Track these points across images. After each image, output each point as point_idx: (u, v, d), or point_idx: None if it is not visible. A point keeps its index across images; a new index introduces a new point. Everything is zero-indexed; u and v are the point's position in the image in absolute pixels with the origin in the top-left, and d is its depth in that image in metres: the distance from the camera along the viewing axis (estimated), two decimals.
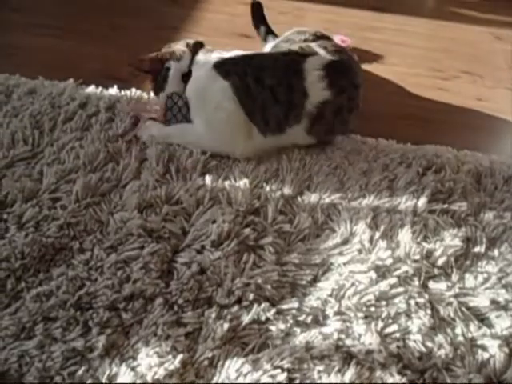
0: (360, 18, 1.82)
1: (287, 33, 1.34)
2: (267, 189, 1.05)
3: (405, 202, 1.03)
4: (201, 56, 1.15)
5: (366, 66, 1.54)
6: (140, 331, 0.78)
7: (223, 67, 1.10)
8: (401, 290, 0.86)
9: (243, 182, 1.04)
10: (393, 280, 0.87)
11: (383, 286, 0.87)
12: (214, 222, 0.95)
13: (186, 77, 1.15)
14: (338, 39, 1.55)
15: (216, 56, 1.15)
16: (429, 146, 1.21)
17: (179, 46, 1.21)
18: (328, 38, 1.23)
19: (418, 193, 1.05)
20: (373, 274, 0.88)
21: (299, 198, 1.04)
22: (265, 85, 1.07)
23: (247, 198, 1.00)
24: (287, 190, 1.05)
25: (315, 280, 0.89)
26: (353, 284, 0.86)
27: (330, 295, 0.85)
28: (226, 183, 1.04)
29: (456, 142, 1.27)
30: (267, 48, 1.38)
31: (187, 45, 1.21)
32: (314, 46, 1.12)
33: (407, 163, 1.12)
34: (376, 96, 1.37)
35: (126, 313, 0.80)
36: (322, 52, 1.10)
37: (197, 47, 1.19)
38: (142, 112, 1.18)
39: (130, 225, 0.92)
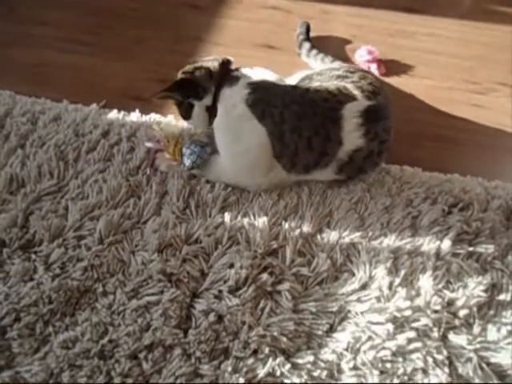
0: (390, 21, 1.72)
1: (320, 63, 1.37)
2: (286, 226, 1.04)
3: (428, 244, 1.00)
4: (227, 90, 1.07)
5: (393, 80, 1.48)
6: (159, 381, 0.82)
7: (259, 107, 1.04)
8: (419, 345, 0.85)
9: (262, 221, 1.04)
10: (411, 334, 0.86)
11: (401, 339, 0.86)
12: (231, 265, 0.96)
13: (210, 109, 1.10)
14: (364, 51, 1.49)
15: (243, 85, 1.07)
16: (457, 176, 1.16)
17: (206, 64, 1.13)
18: (362, 72, 1.15)
19: (442, 234, 1.01)
20: (390, 327, 0.87)
21: (318, 236, 1.04)
22: (302, 135, 1.02)
23: (265, 238, 1.00)
24: (306, 228, 1.04)
25: (332, 329, 0.89)
26: (369, 337, 0.86)
27: (346, 349, 0.85)
28: (245, 221, 1.04)
29: (487, 169, 1.21)
30: (311, 63, 1.41)
31: (211, 69, 1.12)
32: (351, 87, 1.05)
33: (432, 199, 1.08)
34: (402, 114, 1.29)
35: (146, 362, 0.83)
36: (358, 95, 1.04)
37: (223, 71, 1.10)
38: (157, 147, 1.18)
39: (151, 268, 0.94)
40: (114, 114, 1.30)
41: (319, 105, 1.04)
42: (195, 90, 1.09)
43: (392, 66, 1.52)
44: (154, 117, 1.28)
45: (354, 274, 0.97)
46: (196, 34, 1.66)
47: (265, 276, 0.94)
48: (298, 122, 1.03)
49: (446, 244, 0.99)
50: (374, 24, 1.72)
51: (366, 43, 1.55)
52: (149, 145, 1.17)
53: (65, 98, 1.38)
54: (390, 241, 1.02)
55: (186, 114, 1.13)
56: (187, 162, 1.10)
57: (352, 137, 1.03)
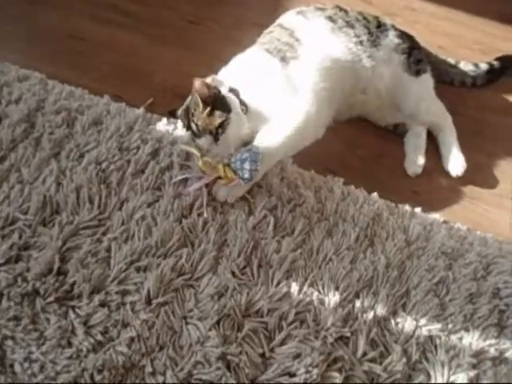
0: (484, 32, 1.48)
1: None
2: (358, 304, 0.92)
3: None
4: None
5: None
6: None
7: None
8: None
9: (333, 298, 0.91)
10: None
11: None
12: (298, 355, 0.85)
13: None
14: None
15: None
16: None
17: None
18: None
19: None
20: None
21: (393, 321, 0.91)
22: None
23: (336, 321, 0.88)
24: (380, 310, 0.92)
25: None
26: None
27: None
28: (314, 295, 0.91)
29: None
30: None
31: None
32: None
33: None
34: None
35: None
36: None
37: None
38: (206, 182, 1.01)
39: (208, 352, 0.82)
40: (163, 125, 1.11)
41: None
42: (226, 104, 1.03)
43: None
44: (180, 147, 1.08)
45: (429, 376, 0.87)
46: (257, 19, 1.41)
47: (334, 374, 0.83)
48: None
49: None
50: (464, 33, 1.49)
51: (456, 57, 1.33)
52: (197, 186, 0.99)
53: (104, 89, 1.18)
54: (472, 338, 0.90)
55: (216, 137, 1.02)
56: (245, 173, 0.95)
57: None
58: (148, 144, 1.05)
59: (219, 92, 1.03)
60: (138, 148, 1.05)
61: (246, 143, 1.03)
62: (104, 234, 0.94)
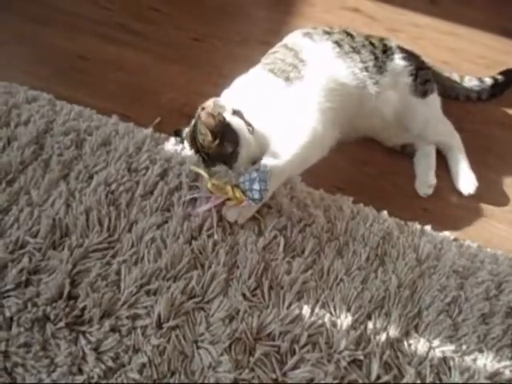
0: (486, 46, 1.49)
1: None
2: (370, 325, 0.91)
3: None
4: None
5: None
6: None
7: None
8: None
9: (345, 319, 0.90)
10: None
11: None
12: (311, 380, 0.84)
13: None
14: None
15: None
16: None
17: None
18: None
19: None
20: None
21: (406, 343, 0.90)
22: None
23: (349, 344, 0.86)
24: (393, 331, 0.91)
25: None
26: None
27: None
28: (326, 317, 0.90)
29: None
30: None
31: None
32: None
33: None
34: None
35: None
36: None
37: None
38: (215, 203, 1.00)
39: (221, 378, 0.81)
40: (171, 145, 1.11)
41: None
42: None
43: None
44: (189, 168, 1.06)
45: None
46: (263, 37, 1.42)
47: None
48: None
49: None
50: (468, 48, 1.49)
51: (459, 72, 1.34)
52: (206, 207, 0.98)
53: (112, 108, 1.18)
54: (486, 360, 0.89)
55: (230, 166, 1.04)
56: (255, 194, 0.95)
57: None
58: (157, 164, 1.05)
59: (224, 119, 1.03)
60: (147, 168, 1.04)
61: (254, 162, 1.04)
62: (114, 256, 0.93)
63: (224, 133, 1.02)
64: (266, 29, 1.47)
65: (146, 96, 1.23)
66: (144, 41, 1.35)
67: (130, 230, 0.97)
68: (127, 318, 0.86)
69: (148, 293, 0.90)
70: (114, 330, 0.85)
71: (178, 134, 1.15)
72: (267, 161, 1.00)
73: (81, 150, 1.07)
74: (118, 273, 0.92)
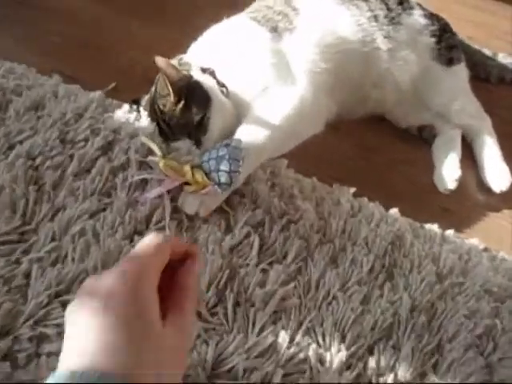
0: None
1: None
2: (372, 364, 0.64)
3: None
4: None
5: None
6: None
7: None
8: None
9: (336, 350, 0.65)
10: None
11: None
12: None
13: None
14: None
15: None
16: None
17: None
18: None
19: None
20: None
21: None
22: None
23: None
24: (403, 372, 0.65)
25: None
26: None
27: None
28: (311, 349, 0.64)
29: None
30: None
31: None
32: None
33: None
34: None
35: None
36: None
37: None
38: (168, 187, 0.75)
39: None
40: (123, 113, 0.86)
41: None
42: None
43: None
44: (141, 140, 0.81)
45: None
46: None
47: None
48: None
49: None
50: (495, 23, 1.27)
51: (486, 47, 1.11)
52: (156, 192, 0.73)
53: (55, 67, 0.94)
54: None
55: (197, 141, 0.80)
56: (222, 177, 0.71)
57: None
58: (99, 136, 0.80)
59: (191, 77, 0.80)
60: (86, 140, 0.79)
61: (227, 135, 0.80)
62: (26, 252, 0.68)
63: (191, 93, 0.78)
64: None
65: (100, 54, 0.99)
66: None
67: (52, 219, 0.72)
68: (30, 339, 0.62)
69: (64, 305, 0.64)
70: (6, 356, 0.60)
71: (136, 103, 0.91)
72: (241, 134, 0.76)
73: (4, 113, 0.82)
74: (28, 275, 0.67)
